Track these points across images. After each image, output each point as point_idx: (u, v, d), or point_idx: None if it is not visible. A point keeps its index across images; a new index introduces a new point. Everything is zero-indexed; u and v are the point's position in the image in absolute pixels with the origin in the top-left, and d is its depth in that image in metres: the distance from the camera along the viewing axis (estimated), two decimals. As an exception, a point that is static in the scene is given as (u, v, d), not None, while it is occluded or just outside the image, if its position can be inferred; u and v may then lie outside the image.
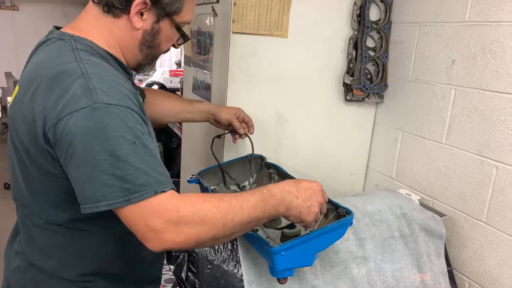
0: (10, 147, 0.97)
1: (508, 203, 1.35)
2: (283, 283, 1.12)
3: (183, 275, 1.21)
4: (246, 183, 1.57)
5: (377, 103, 1.91)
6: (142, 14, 0.94)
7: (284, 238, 1.14)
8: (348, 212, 1.12)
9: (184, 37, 1.01)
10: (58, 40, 0.93)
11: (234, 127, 1.43)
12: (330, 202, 1.19)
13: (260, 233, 1.17)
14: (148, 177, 0.79)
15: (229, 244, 1.22)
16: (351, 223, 1.12)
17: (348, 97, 1.83)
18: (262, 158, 1.58)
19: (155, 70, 4.34)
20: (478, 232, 1.44)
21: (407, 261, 1.34)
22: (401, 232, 1.38)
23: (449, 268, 1.43)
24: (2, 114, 5.95)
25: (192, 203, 0.81)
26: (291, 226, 1.14)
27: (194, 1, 1.01)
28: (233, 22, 1.55)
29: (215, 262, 1.19)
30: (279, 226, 1.15)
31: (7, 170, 1.03)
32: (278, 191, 0.92)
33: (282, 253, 1.02)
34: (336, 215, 1.16)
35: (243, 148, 1.68)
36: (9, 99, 5.74)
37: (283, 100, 1.73)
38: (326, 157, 1.89)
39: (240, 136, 1.50)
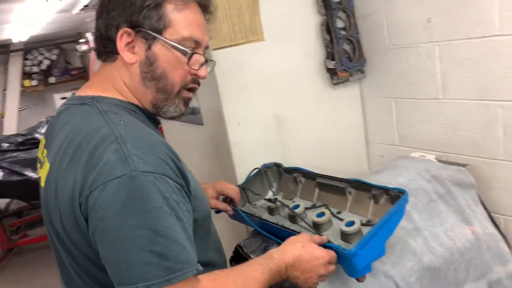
0: (53, 237, 0.87)
1: (522, 136, 1.41)
2: (362, 281, 1.10)
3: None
4: (270, 194, 1.53)
5: (359, 79, 1.93)
6: (132, 47, 0.87)
7: (345, 236, 1.13)
8: (402, 191, 1.12)
9: (184, 53, 0.88)
10: (80, 105, 0.86)
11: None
12: (375, 187, 1.20)
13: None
14: (187, 253, 0.74)
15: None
16: (407, 201, 1.12)
17: (334, 81, 1.83)
18: (277, 165, 1.55)
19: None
20: (500, 170, 1.50)
21: (454, 218, 1.37)
22: (438, 194, 1.40)
23: (487, 212, 1.48)
24: None
25: None
26: (350, 223, 1.13)
27: (186, 12, 0.89)
28: (210, 39, 1.49)
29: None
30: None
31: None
32: (283, 266, 0.92)
33: (359, 252, 1.00)
34: (388, 198, 1.16)
35: (255, 160, 1.62)
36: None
37: (277, 102, 1.70)
38: (328, 143, 1.88)
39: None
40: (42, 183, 0.89)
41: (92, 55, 3.94)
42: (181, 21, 0.87)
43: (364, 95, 1.96)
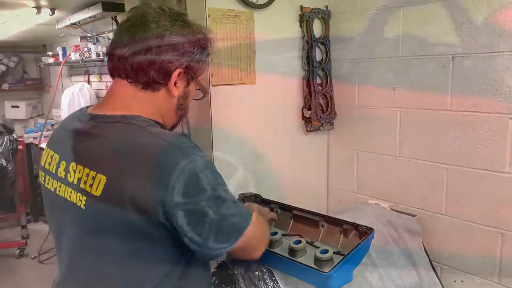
0: (90, 239, 0.95)
1: (461, 196, 1.69)
2: (331, 303, 1.25)
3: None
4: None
5: (328, 129, 2.18)
6: (175, 83, 1.02)
7: (318, 262, 1.29)
8: (370, 229, 1.32)
9: (206, 92, 1.12)
10: (112, 123, 0.96)
11: None
12: (346, 222, 1.38)
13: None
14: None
15: (269, 280, 1.32)
16: (373, 237, 1.32)
17: (308, 128, 2.06)
18: (256, 195, 1.70)
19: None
20: (441, 223, 1.77)
21: (403, 260, 1.59)
22: (392, 237, 1.63)
23: (428, 258, 1.72)
24: None
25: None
26: (324, 251, 1.29)
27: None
28: (211, 76, 1.67)
29: (263, 301, 1.27)
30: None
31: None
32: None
33: (334, 275, 1.17)
34: (357, 233, 1.35)
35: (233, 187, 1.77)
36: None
37: (258, 138, 1.88)
38: (295, 181, 2.08)
39: None
40: (62, 193, 0.98)
41: (61, 68, 3.91)
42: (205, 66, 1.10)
43: (330, 144, 2.21)
